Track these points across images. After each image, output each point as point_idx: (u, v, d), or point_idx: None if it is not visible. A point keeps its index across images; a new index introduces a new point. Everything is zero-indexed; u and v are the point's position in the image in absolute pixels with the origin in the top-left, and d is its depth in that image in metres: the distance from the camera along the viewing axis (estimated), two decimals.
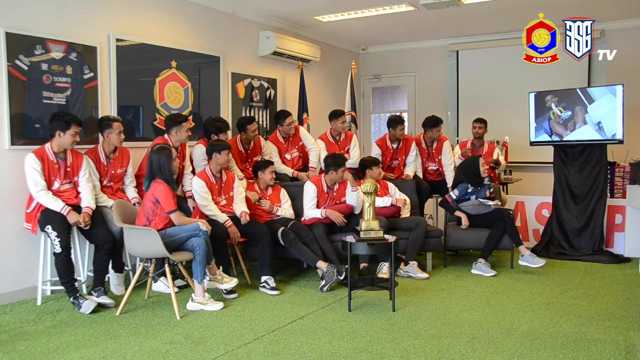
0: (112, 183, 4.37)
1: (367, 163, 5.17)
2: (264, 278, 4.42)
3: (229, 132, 5.11)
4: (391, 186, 5.29)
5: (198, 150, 4.90)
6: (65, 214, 3.90)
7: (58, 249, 3.85)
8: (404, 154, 5.88)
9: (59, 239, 3.84)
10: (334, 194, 4.96)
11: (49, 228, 3.87)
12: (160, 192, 3.93)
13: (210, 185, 4.54)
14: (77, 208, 4.01)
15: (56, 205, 3.90)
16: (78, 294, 3.92)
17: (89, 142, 4.52)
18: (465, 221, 5.14)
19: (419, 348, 3.16)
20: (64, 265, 3.86)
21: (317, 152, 5.72)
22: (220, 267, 4.21)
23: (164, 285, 4.28)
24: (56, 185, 3.98)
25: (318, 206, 4.89)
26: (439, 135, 5.87)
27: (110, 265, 4.24)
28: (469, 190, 5.20)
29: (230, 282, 4.14)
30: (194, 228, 3.97)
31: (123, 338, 3.37)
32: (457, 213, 5.22)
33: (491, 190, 5.23)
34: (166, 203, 3.92)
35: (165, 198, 3.92)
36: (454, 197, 5.23)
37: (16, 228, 4.10)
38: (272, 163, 5.17)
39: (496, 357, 3.03)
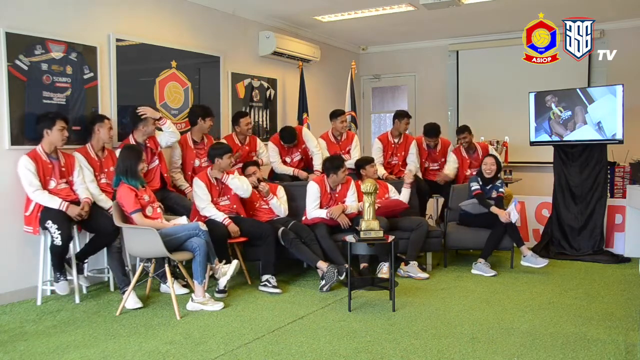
0: (110, 181, 4.35)
1: (361, 163, 5.20)
2: (265, 277, 4.41)
3: (213, 119, 5.13)
4: (390, 187, 5.28)
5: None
6: (64, 209, 3.91)
7: (58, 242, 3.85)
8: (404, 149, 5.92)
9: (59, 231, 3.85)
10: (336, 195, 4.96)
11: (49, 223, 3.88)
12: (121, 195, 3.98)
13: (210, 187, 4.54)
14: (76, 204, 4.01)
15: (54, 202, 3.90)
16: (64, 270, 3.98)
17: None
18: (505, 217, 4.92)
19: (419, 348, 3.16)
20: (59, 254, 3.92)
21: (320, 155, 5.71)
22: (223, 261, 4.18)
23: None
24: (52, 184, 3.99)
25: (320, 206, 4.88)
26: (437, 143, 6.03)
27: (107, 264, 4.24)
28: (477, 187, 5.17)
29: (232, 265, 4.09)
30: (194, 227, 3.98)
31: (123, 338, 3.37)
32: (493, 209, 5.01)
33: (500, 190, 5.16)
34: (127, 204, 3.95)
35: (126, 200, 3.96)
36: (473, 189, 5.16)
37: (16, 228, 4.09)
38: (256, 163, 5.10)
39: (496, 357, 3.03)
